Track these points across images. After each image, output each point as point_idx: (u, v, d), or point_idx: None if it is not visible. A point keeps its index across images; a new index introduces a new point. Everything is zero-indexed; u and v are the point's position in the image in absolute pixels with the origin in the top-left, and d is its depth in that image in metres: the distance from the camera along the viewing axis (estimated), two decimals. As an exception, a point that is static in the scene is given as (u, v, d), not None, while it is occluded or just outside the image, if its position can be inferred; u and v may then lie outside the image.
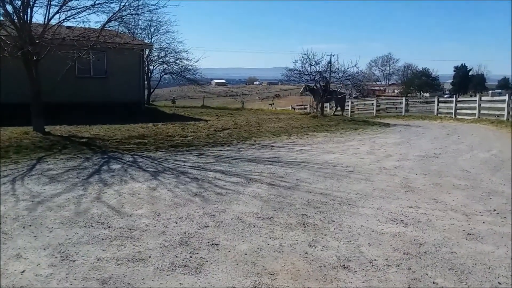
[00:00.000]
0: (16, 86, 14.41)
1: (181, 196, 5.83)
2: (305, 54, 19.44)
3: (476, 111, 20.98)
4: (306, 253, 3.99)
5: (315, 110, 22.73)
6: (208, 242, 4.23)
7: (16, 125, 11.79)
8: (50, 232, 4.46)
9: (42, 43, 11.17)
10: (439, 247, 4.14)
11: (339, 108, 23.58)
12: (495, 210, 5.38)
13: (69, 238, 4.28)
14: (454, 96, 26.08)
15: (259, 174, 7.23)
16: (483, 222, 4.89)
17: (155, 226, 4.69)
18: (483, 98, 22.53)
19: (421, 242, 4.25)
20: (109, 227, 4.63)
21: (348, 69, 19.80)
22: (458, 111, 22.48)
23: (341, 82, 20.59)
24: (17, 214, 5.03)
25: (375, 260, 3.83)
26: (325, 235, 4.46)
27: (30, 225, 4.65)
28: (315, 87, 20.95)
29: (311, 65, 19.40)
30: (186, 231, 4.54)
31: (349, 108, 30.80)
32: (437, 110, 24.63)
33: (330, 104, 23.32)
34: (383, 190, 6.29)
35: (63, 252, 3.94)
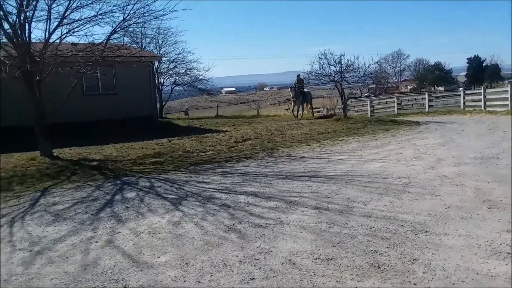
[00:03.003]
0: (16, 108, 13.55)
1: (212, 233, 4.71)
2: (322, 55, 18.28)
3: (508, 102, 19.52)
4: (401, 318, 2.84)
5: (295, 112, 20.84)
6: (260, 306, 3.10)
7: (22, 151, 10.89)
8: (49, 300, 3.38)
9: (43, 60, 10.24)
10: None
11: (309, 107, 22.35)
12: None
13: (73, 310, 3.19)
14: (482, 87, 24.56)
15: (300, 195, 6.07)
16: None
17: (184, 281, 3.58)
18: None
19: (557, 291, 3.06)
20: (125, 287, 3.54)
21: (370, 67, 18.55)
22: (487, 103, 21.03)
23: (364, 81, 19.34)
24: (9, 272, 3.96)
25: (508, 328, 2.66)
26: (415, 284, 3.30)
27: (23, 290, 3.59)
28: (296, 89, 20.28)
29: (329, 65, 18.21)
30: (227, 287, 3.42)
31: (368, 107, 29.52)
32: (464, 103, 23.17)
33: (293, 103, 20.99)
34: (460, 207, 5.08)
35: (64, 336, 2.85)
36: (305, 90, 21.08)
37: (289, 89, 21.73)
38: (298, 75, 20.71)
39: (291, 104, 21.90)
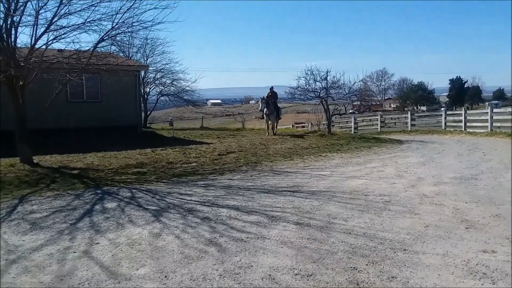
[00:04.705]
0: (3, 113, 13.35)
1: (192, 246, 4.68)
2: (308, 70, 18.50)
3: (488, 124, 20.02)
4: (378, 336, 2.86)
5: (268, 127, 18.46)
6: (238, 321, 3.09)
7: (1, 156, 10.67)
8: (22, 311, 3.30)
9: (28, 66, 10.13)
10: (559, 319, 3.02)
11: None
12: None
13: (47, 322, 3.12)
14: (463, 108, 25.13)
15: (282, 210, 6.09)
16: None
17: (163, 294, 3.55)
18: (495, 110, 21.54)
19: (530, 312, 3.12)
20: (102, 299, 3.48)
21: (355, 85, 18.85)
22: (468, 124, 21.52)
23: (348, 98, 19.61)
24: (-18, 281, 3.87)
25: None
26: (392, 302, 3.33)
27: (-4, 301, 3.50)
28: (269, 102, 17.83)
29: (315, 81, 18.43)
30: (205, 302, 3.40)
31: (352, 124, 29.92)
32: (445, 123, 23.66)
33: (266, 118, 18.28)
34: (438, 226, 5.16)
35: None
36: (278, 105, 19.10)
37: (260, 101, 18.42)
38: (271, 88, 18.99)
39: (262, 118, 19.30)
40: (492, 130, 19.45)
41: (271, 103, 18.04)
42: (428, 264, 4.03)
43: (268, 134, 18.20)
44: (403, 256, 4.24)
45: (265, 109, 17.80)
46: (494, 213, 5.70)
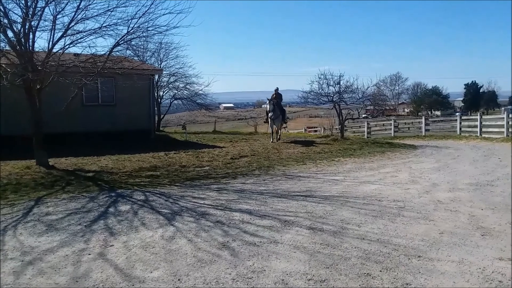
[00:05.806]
0: (17, 117, 13.56)
1: (205, 249, 4.70)
2: (321, 75, 18.47)
3: (504, 129, 19.74)
4: None
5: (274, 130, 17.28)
6: (251, 326, 3.09)
7: (20, 159, 10.86)
8: (38, 312, 3.35)
9: (45, 70, 10.30)
10: None
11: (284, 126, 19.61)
12: None
13: (62, 323, 3.16)
14: (479, 113, 24.79)
15: (294, 214, 6.08)
16: None
17: (176, 298, 3.56)
18: (511, 115, 21.21)
19: (548, 322, 3.06)
20: (116, 301, 3.51)
21: (368, 89, 18.77)
22: (483, 129, 21.22)
23: (362, 103, 19.52)
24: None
25: None
26: (407, 309, 3.30)
27: (13, 301, 3.56)
28: (275, 104, 16.74)
29: (328, 85, 18.39)
30: (218, 306, 3.41)
31: (365, 129, 29.75)
32: (460, 128, 23.37)
33: (270, 122, 17.06)
34: (453, 233, 5.10)
35: None
36: (283, 107, 18.21)
37: (267, 103, 17.56)
38: (276, 89, 17.94)
39: (266, 122, 18.04)
40: (508, 135, 19.18)
41: (277, 106, 17.02)
42: (443, 271, 3.98)
43: (272, 140, 17.16)
44: (417, 263, 4.19)
45: (271, 113, 16.78)
46: (510, 220, 5.61)
